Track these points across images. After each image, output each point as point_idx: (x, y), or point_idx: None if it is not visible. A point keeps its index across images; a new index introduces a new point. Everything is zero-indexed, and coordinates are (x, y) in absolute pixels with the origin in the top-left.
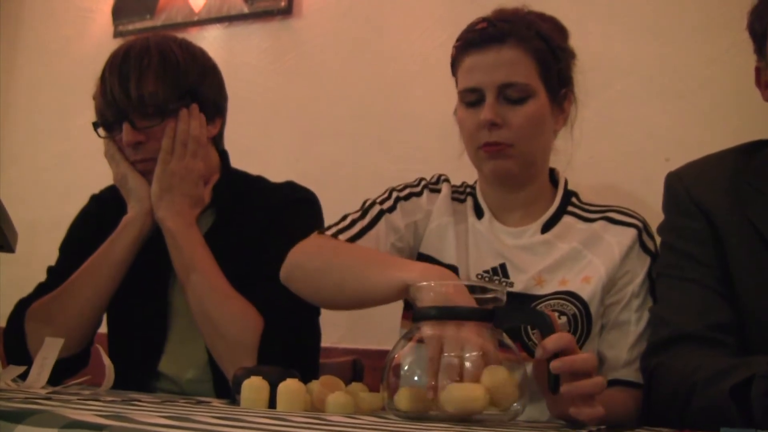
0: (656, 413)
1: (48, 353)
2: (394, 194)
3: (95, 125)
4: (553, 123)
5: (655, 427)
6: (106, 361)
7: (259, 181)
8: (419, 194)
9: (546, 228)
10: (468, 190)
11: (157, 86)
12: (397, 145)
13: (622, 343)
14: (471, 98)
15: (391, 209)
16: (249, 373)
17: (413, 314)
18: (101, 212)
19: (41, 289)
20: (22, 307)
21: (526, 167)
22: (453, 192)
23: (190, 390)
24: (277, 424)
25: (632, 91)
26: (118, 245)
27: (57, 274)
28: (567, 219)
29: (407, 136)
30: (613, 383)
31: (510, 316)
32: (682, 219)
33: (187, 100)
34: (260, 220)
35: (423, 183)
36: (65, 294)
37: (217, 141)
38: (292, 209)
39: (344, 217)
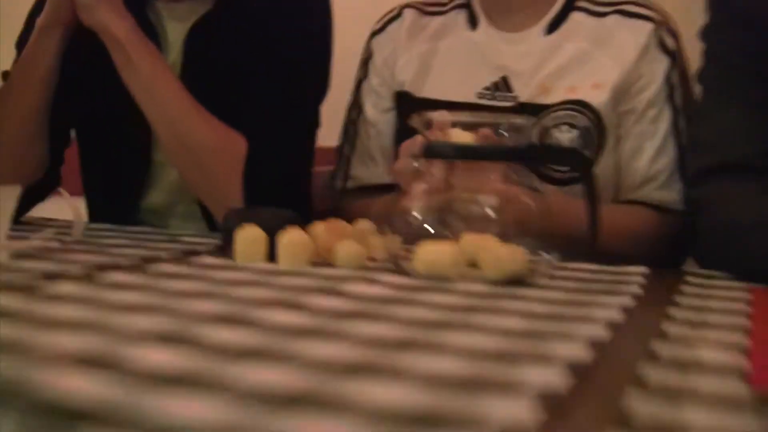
0: (702, 250)
1: (4, 205)
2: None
3: None
4: None
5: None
6: (71, 204)
7: None
8: (380, 31)
9: (551, 28)
10: None
11: None
12: None
13: (638, 159)
14: None
15: (365, 76)
16: (240, 218)
17: (424, 149)
18: None
19: None
20: None
21: None
22: (426, 7)
23: (179, 227)
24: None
25: None
26: (37, 57)
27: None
28: (575, 15)
29: None
30: (632, 204)
31: (541, 154)
32: (732, 26)
33: None
34: (266, 15)
35: (383, 21)
36: None
37: None
38: (296, 20)
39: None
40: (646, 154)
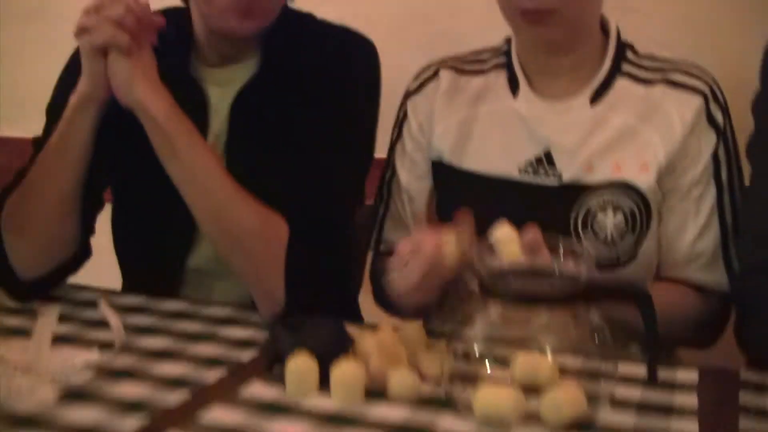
0: (750, 340)
1: (43, 331)
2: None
3: None
4: None
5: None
6: (112, 319)
7: (309, 20)
8: (415, 92)
9: (596, 96)
10: (496, 56)
11: None
12: None
13: (682, 238)
14: None
15: (399, 137)
16: (287, 336)
17: (481, 286)
18: None
19: (19, 171)
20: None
21: (574, 32)
22: (464, 66)
23: (224, 291)
24: None
25: None
26: (71, 136)
27: (39, 148)
28: (621, 82)
29: None
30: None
31: (599, 292)
32: None
33: None
34: (309, 81)
35: (419, 80)
36: (27, 198)
37: None
38: (346, 81)
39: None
40: (689, 233)
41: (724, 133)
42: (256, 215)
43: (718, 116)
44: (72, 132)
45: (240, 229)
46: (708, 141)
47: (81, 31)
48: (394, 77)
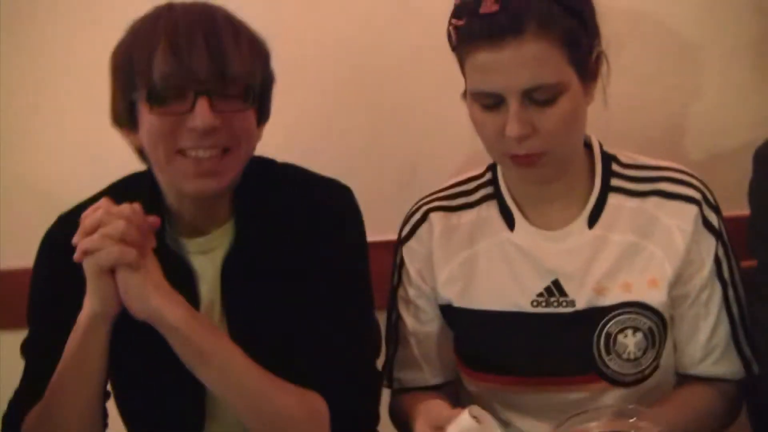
0: None
1: None
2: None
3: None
4: (586, 100)
5: None
6: None
7: (275, 167)
8: (408, 238)
9: (593, 219)
10: (483, 187)
11: (253, 63)
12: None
13: (695, 339)
14: (488, 101)
15: (399, 283)
16: None
17: None
18: (68, 250)
19: (27, 384)
20: (15, 414)
21: (563, 166)
22: (451, 202)
23: None
24: None
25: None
26: (87, 355)
27: (36, 356)
28: (613, 199)
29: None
30: (692, 378)
31: None
32: None
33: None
34: (296, 241)
35: (410, 225)
36: (48, 418)
37: None
38: (336, 231)
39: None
40: (702, 334)
41: (720, 234)
42: (295, 400)
43: (713, 219)
44: (87, 351)
45: (282, 418)
46: (708, 245)
47: (84, 254)
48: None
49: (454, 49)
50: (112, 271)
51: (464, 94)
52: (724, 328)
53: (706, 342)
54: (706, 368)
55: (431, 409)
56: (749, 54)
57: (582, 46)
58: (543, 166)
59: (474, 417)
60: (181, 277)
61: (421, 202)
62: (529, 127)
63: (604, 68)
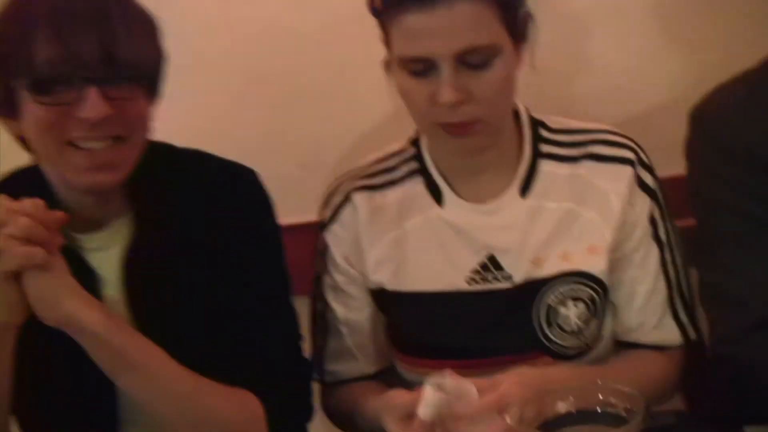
0: (717, 401)
1: None
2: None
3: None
4: (518, 63)
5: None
6: None
7: (173, 153)
8: (331, 222)
9: (525, 188)
10: (406, 162)
11: (145, 45)
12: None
13: (632, 304)
14: (417, 68)
15: (325, 271)
16: None
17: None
18: None
19: None
20: None
21: (496, 133)
22: (373, 181)
23: None
24: None
25: None
26: None
27: None
28: (545, 166)
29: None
30: (631, 346)
31: None
32: (733, 169)
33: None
34: (203, 229)
35: (330, 208)
36: None
37: None
38: (247, 216)
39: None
40: (639, 299)
41: (655, 193)
42: (229, 402)
43: (648, 179)
44: None
45: (216, 422)
46: (643, 205)
47: None
48: None
49: (377, 14)
50: (16, 276)
51: (386, 64)
52: (661, 294)
53: (642, 307)
54: (645, 335)
55: (389, 401)
56: None
57: (512, 7)
58: (477, 133)
59: (437, 386)
60: (79, 276)
61: (339, 183)
62: (464, 93)
63: (532, 30)
